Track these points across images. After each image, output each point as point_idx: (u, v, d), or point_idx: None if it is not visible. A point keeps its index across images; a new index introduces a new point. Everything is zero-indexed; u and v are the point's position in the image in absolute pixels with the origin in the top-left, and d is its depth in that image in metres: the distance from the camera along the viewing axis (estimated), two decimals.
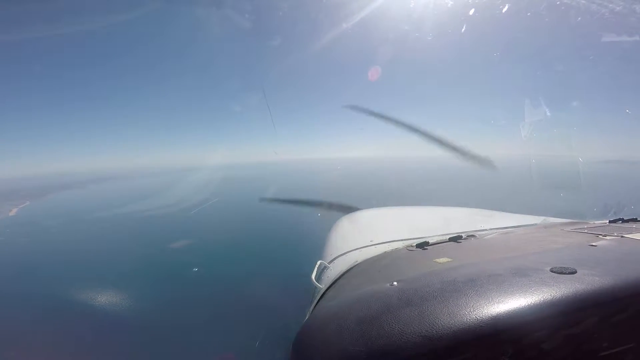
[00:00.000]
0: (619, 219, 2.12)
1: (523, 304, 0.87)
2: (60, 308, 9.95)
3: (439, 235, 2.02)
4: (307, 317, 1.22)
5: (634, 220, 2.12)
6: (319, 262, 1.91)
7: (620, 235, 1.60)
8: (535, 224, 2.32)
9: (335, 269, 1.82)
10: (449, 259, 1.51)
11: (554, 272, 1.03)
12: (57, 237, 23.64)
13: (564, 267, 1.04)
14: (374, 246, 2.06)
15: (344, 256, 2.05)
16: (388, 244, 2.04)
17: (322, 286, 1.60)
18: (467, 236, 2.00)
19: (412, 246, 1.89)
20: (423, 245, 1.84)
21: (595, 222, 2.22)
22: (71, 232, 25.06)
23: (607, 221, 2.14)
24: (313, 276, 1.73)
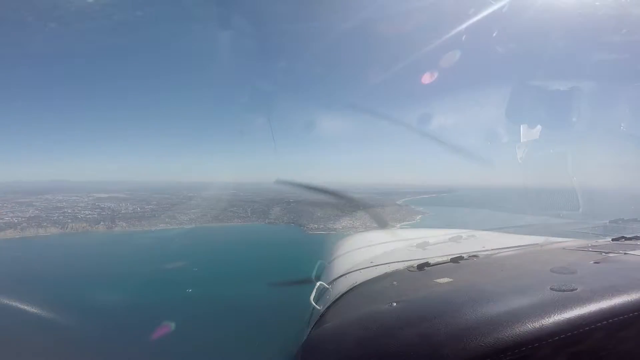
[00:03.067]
0: (622, 237, 2.11)
1: (524, 324, 0.85)
2: None
3: (440, 256, 2.00)
4: (305, 338, 1.20)
5: (637, 237, 2.10)
6: (318, 283, 1.88)
7: (623, 252, 1.59)
8: (537, 244, 2.30)
9: (335, 290, 1.79)
10: (450, 280, 1.48)
11: (554, 290, 1.02)
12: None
13: (564, 285, 1.03)
14: (374, 267, 2.03)
15: (343, 277, 2.01)
16: (388, 265, 2.02)
17: (321, 307, 1.58)
18: (469, 257, 1.98)
19: (412, 267, 1.86)
20: (424, 266, 1.81)
21: (598, 240, 2.20)
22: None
23: (610, 239, 2.13)
24: (312, 297, 1.70)
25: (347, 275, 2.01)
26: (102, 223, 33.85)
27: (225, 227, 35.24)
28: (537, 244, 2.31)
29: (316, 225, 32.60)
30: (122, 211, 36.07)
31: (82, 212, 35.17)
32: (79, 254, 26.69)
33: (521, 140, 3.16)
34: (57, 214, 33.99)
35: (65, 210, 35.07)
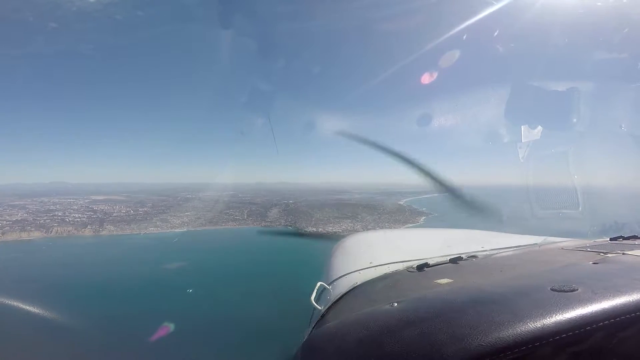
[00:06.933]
0: (620, 237, 2.12)
1: (524, 324, 0.85)
2: None
3: (439, 257, 1.99)
4: (305, 338, 1.17)
5: (635, 237, 2.11)
6: (318, 284, 1.86)
7: (622, 252, 1.60)
8: (536, 244, 2.31)
9: (335, 291, 1.77)
10: (450, 280, 1.48)
11: (555, 290, 1.01)
12: None
13: (565, 286, 1.02)
14: (373, 268, 2.01)
15: (343, 278, 1.99)
16: (388, 265, 2.00)
17: (322, 307, 1.56)
18: (468, 257, 1.98)
19: (412, 267, 1.85)
20: (423, 266, 1.81)
21: (597, 240, 2.21)
22: None
23: (608, 239, 2.14)
24: (312, 297, 1.67)
25: (347, 276, 1.99)
26: (89, 227, 32.81)
27: (218, 231, 34.45)
28: (535, 243, 2.32)
29: (315, 228, 32.28)
30: (114, 214, 35.26)
31: (72, 215, 34.22)
32: (53, 260, 25.44)
33: (522, 140, 3.18)
34: (45, 217, 33.01)
35: (56, 213, 34.14)
